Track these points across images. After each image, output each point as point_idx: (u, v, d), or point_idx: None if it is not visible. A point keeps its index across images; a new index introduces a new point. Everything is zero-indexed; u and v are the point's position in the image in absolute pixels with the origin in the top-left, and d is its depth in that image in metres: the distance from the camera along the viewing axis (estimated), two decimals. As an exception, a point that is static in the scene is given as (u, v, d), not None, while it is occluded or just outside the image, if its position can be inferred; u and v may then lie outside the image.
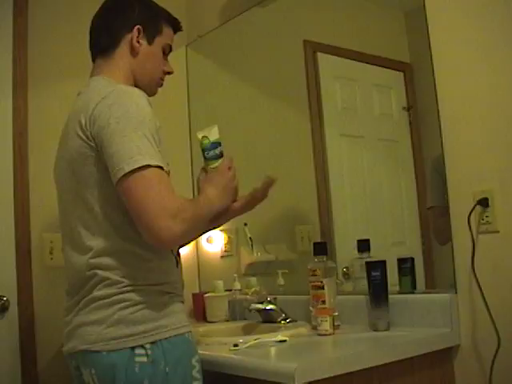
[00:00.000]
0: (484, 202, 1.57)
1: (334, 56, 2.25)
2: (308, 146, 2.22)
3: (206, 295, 2.29)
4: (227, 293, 2.25)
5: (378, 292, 1.68)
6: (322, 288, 1.75)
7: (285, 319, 1.92)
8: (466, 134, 1.64)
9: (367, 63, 2.10)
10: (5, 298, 2.04)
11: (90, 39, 1.50)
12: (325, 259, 1.80)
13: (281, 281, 2.23)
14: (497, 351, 1.50)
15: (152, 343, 1.26)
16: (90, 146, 1.29)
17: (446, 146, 1.69)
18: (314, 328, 1.73)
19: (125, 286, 1.29)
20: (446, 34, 1.69)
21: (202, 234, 1.64)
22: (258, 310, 1.97)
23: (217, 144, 1.55)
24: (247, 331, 1.97)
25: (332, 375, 1.35)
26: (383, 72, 2.08)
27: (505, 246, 1.55)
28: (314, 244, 1.84)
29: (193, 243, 2.61)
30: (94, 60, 1.50)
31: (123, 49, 1.45)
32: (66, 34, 2.35)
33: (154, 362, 1.25)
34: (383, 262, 1.71)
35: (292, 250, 2.31)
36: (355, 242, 1.91)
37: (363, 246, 1.87)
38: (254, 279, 2.24)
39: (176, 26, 1.57)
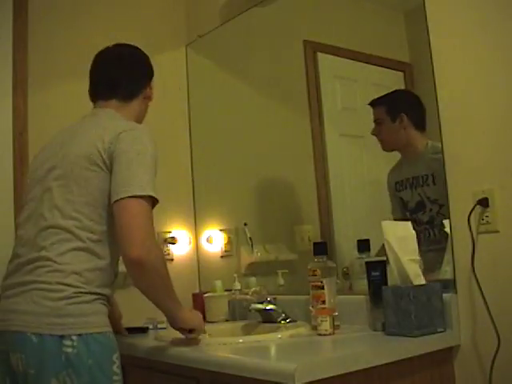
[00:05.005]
0: (484, 202, 1.57)
1: (334, 56, 2.25)
2: (308, 146, 2.22)
3: (206, 295, 2.28)
4: (227, 293, 2.25)
5: (377, 292, 1.67)
6: (322, 288, 1.75)
7: (285, 319, 1.92)
8: (466, 134, 1.64)
9: (367, 63, 2.10)
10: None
11: (106, 82, 1.71)
12: (325, 259, 1.80)
13: (281, 281, 2.23)
14: (497, 351, 1.50)
15: (78, 336, 1.40)
16: (102, 157, 1.50)
17: (445, 147, 1.69)
18: (314, 328, 1.73)
19: (65, 278, 1.44)
20: (446, 34, 1.69)
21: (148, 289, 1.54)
22: (258, 310, 1.97)
23: None
24: (247, 331, 1.97)
25: (332, 375, 1.35)
26: (383, 72, 2.08)
27: (505, 245, 1.54)
28: (314, 244, 1.84)
29: (193, 243, 2.61)
30: (105, 98, 1.70)
31: (140, 98, 1.74)
32: (65, 34, 2.35)
33: (79, 354, 1.39)
34: (383, 262, 1.71)
35: (292, 249, 2.31)
36: (355, 242, 1.91)
37: (363, 246, 1.87)
38: (253, 279, 2.24)
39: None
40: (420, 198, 1.84)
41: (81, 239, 1.47)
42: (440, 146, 1.69)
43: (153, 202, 1.49)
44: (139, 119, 1.76)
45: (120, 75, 1.73)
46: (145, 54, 1.81)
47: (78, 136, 1.59)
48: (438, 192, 1.73)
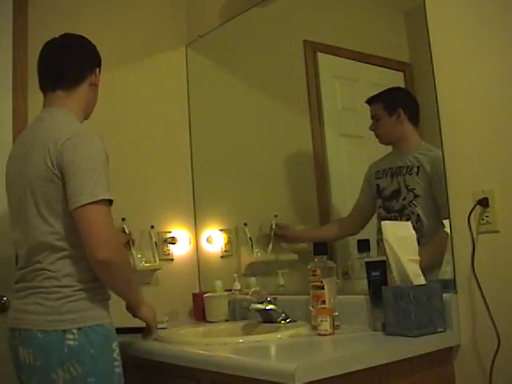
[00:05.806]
0: (484, 202, 1.57)
1: (334, 56, 2.25)
2: (308, 146, 2.22)
3: (206, 295, 2.28)
4: (227, 293, 2.25)
5: (377, 292, 1.68)
6: (322, 288, 1.75)
7: (285, 319, 1.92)
8: (466, 133, 1.64)
9: (367, 63, 2.10)
10: (5, 298, 2.04)
11: (51, 71, 1.72)
12: (325, 259, 1.80)
13: (281, 281, 2.23)
14: (497, 351, 1.50)
15: (78, 329, 1.53)
16: (54, 173, 1.57)
17: (445, 146, 1.69)
18: (314, 328, 1.73)
19: (60, 281, 1.57)
20: (446, 34, 1.69)
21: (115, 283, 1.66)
22: (258, 310, 1.97)
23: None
24: (247, 331, 1.97)
25: (332, 375, 1.35)
26: (383, 72, 2.08)
27: (505, 246, 1.55)
28: (314, 244, 1.84)
29: (193, 243, 2.61)
30: (51, 89, 1.71)
31: (85, 85, 1.74)
32: (65, 33, 2.34)
33: (80, 345, 1.53)
34: (383, 262, 1.71)
35: (292, 249, 2.31)
36: (355, 242, 1.91)
37: (363, 245, 1.87)
38: (253, 279, 2.24)
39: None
40: (398, 186, 1.92)
41: (64, 249, 1.59)
42: (432, 147, 1.80)
43: (109, 201, 1.57)
44: (88, 108, 1.77)
45: (63, 62, 1.72)
46: (91, 43, 1.79)
47: (30, 152, 1.63)
48: (419, 183, 1.85)
